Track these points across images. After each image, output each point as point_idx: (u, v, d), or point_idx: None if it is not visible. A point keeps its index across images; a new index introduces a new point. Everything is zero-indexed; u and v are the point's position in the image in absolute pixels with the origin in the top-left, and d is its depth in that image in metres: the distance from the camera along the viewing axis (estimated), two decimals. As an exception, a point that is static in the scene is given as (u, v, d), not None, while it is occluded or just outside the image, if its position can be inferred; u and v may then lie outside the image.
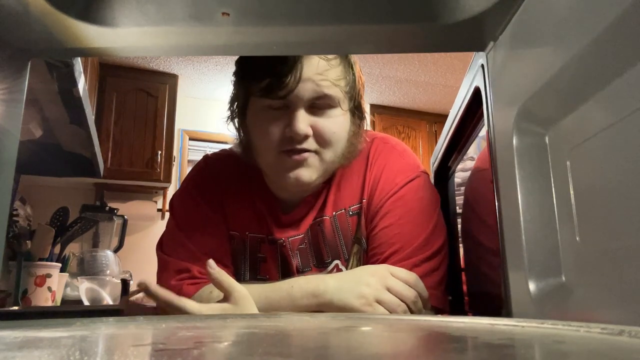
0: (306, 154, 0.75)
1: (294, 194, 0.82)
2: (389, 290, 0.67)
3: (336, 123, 0.76)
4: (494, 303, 0.56)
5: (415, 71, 3.42)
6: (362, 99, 0.83)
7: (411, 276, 0.69)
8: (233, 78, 0.82)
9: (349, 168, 0.83)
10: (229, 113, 0.84)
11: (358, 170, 0.82)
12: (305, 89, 0.73)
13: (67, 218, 1.98)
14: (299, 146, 0.74)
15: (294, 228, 0.83)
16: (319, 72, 0.73)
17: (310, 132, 0.74)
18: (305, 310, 0.67)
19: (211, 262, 0.67)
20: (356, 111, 0.81)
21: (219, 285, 0.67)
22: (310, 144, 0.75)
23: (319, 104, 0.75)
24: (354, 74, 0.78)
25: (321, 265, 0.82)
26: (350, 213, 0.81)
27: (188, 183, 0.88)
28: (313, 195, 0.83)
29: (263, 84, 0.73)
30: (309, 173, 0.76)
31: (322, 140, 0.75)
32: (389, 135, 0.89)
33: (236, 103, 0.82)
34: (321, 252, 0.82)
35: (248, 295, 0.67)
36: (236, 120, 0.83)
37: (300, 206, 0.83)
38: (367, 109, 3.94)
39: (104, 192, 3.20)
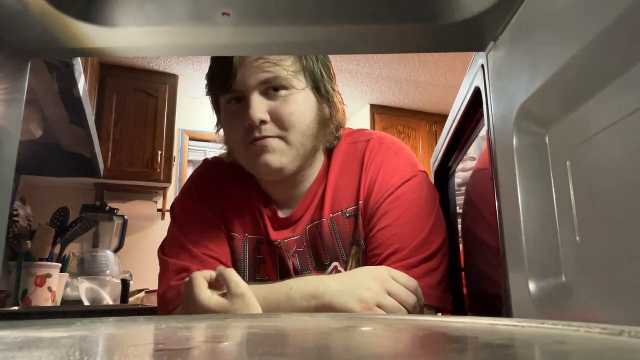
0: (268, 140, 0.76)
1: (283, 188, 0.83)
2: (389, 294, 0.67)
3: (292, 103, 0.76)
4: (495, 303, 0.56)
5: (415, 71, 3.42)
6: (331, 78, 0.83)
7: (412, 282, 0.69)
8: (205, 89, 0.84)
9: (345, 169, 0.83)
10: (216, 121, 0.86)
11: (354, 171, 0.82)
12: (249, 75, 0.75)
13: (67, 218, 1.98)
14: (258, 134, 0.75)
15: (290, 230, 0.83)
16: (258, 56, 0.74)
17: (266, 117, 0.75)
18: (304, 312, 0.67)
19: (220, 267, 0.68)
20: (318, 91, 0.80)
21: (222, 278, 0.66)
22: (270, 129, 0.76)
23: (270, 87, 0.76)
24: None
25: (320, 268, 0.82)
26: (347, 215, 0.81)
27: (188, 187, 0.90)
28: (309, 195, 0.83)
29: (216, 82, 0.77)
30: (276, 157, 0.76)
31: (280, 123, 0.76)
32: (386, 133, 0.89)
33: (214, 109, 0.85)
34: (320, 255, 0.82)
35: (247, 293, 0.65)
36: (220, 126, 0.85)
37: (296, 207, 0.83)
38: (366, 109, 3.95)
39: (104, 192, 3.20)
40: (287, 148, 0.77)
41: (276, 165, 0.76)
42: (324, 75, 0.81)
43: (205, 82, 0.83)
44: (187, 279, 0.67)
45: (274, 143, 0.76)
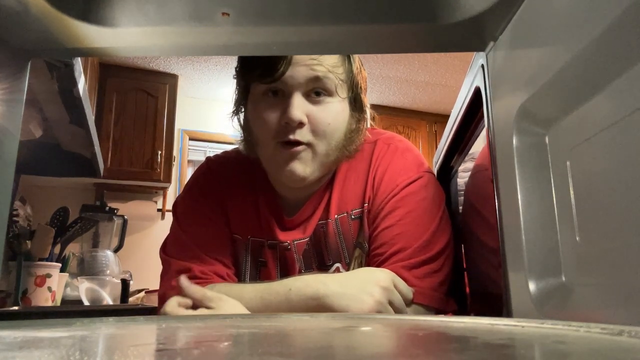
0: (299, 147, 0.75)
1: (295, 190, 0.82)
2: (390, 304, 0.66)
3: (332, 113, 0.76)
4: (496, 303, 0.56)
5: (415, 71, 3.42)
6: (364, 93, 0.82)
7: (410, 293, 0.69)
8: (235, 72, 0.82)
9: (353, 170, 0.82)
10: (233, 108, 0.84)
11: (361, 173, 0.82)
12: (299, 72, 0.73)
13: (67, 218, 1.98)
14: (292, 137, 0.74)
15: (299, 231, 0.82)
16: (313, 57, 0.73)
17: (305, 119, 0.74)
18: (303, 312, 0.67)
19: (182, 278, 0.69)
20: (355, 103, 0.80)
21: (192, 298, 0.68)
22: (304, 134, 0.75)
23: (315, 91, 0.75)
24: (350, 64, 0.78)
25: (323, 268, 0.82)
26: (353, 217, 0.80)
27: (191, 186, 0.88)
28: (316, 196, 0.82)
29: (259, 70, 0.75)
30: (302, 166, 0.76)
31: (316, 130, 0.75)
32: (394, 133, 0.89)
33: (238, 95, 0.83)
34: (323, 255, 0.82)
35: (221, 296, 0.67)
36: (240, 114, 0.83)
37: (303, 208, 0.82)
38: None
39: (104, 192, 3.20)
40: (313, 157, 0.76)
41: (301, 174, 0.76)
42: (363, 88, 0.81)
43: (238, 66, 0.81)
44: (164, 306, 0.68)
45: (304, 152, 0.75)
